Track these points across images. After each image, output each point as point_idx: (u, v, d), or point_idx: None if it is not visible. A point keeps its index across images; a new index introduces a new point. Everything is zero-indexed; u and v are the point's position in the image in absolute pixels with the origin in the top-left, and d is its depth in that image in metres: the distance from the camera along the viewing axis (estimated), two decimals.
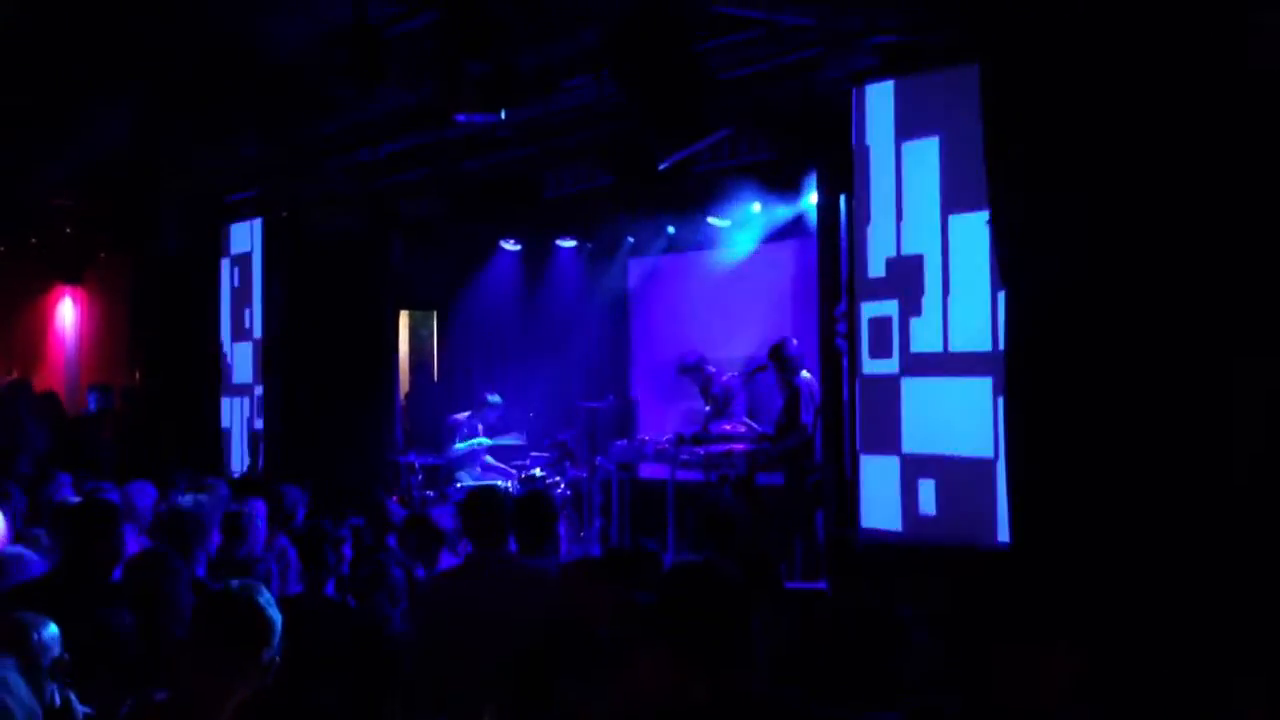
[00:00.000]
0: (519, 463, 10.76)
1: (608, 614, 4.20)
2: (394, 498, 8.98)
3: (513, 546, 4.88)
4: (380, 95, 7.45)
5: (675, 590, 3.08)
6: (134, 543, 5.96)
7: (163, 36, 6.73)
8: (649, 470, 9.75)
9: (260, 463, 10.85)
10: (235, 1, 6.31)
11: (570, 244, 11.97)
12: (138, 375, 12.38)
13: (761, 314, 10.70)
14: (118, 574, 4.18)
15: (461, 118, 6.20)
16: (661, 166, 6.84)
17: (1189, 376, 5.13)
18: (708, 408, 9.89)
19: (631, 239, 11.61)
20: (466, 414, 11.05)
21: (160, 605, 3.87)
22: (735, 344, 10.31)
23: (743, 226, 10.32)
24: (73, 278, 13.88)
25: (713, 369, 10.08)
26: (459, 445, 10.46)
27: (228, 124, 8.33)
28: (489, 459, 10.86)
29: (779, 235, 10.21)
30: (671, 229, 10.86)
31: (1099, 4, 5.30)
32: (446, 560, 5.53)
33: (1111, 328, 5.39)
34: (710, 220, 9.93)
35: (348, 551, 5.18)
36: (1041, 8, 5.41)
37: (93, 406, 11.73)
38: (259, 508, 6.32)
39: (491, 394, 11.25)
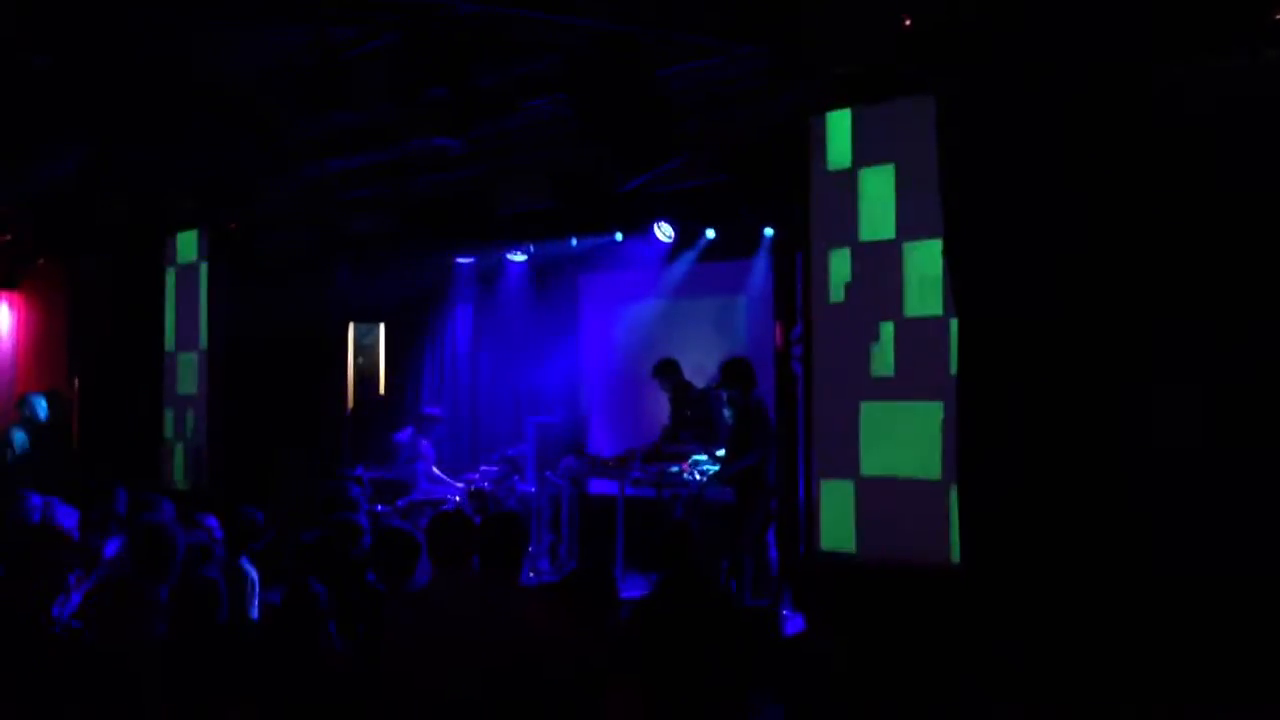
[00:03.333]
0: (468, 477, 10.75)
1: (577, 641, 4.26)
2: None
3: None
4: (332, 115, 7.43)
5: (653, 622, 3.14)
6: None
7: (113, 54, 6.65)
8: (599, 486, 9.73)
9: (204, 477, 10.74)
10: (189, 20, 6.26)
11: (521, 259, 11.97)
12: (76, 384, 12.18)
13: (714, 332, 10.79)
14: None
15: (420, 143, 6.20)
16: (621, 189, 6.90)
17: (1136, 401, 5.30)
18: (670, 418, 9.87)
19: (584, 255, 11.64)
20: (409, 430, 11.02)
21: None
22: (687, 361, 10.35)
23: (698, 245, 10.41)
24: (9, 284, 13.61)
25: (687, 378, 10.05)
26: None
27: (176, 141, 8.24)
28: (436, 470, 10.84)
29: (734, 254, 10.29)
30: (624, 245, 10.93)
31: (1049, 41, 5.46)
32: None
33: (1060, 354, 5.55)
34: (663, 238, 9.99)
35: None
36: (995, 45, 5.56)
37: (42, 416, 11.46)
38: (214, 525, 6.26)
39: (429, 407, 11.18)
